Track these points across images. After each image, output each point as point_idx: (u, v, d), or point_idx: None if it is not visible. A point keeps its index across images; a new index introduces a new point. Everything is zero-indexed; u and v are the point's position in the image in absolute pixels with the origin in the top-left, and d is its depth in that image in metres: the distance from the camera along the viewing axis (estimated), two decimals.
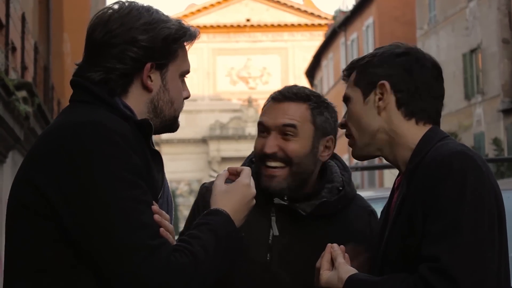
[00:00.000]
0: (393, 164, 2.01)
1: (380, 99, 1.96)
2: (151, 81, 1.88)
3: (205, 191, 2.33)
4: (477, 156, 1.85)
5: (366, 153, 2.03)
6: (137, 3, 1.92)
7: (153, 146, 1.88)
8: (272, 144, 2.24)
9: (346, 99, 2.05)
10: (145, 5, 1.92)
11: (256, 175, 2.21)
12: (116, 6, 1.91)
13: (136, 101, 1.88)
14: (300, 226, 2.26)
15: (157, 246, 1.70)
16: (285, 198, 2.25)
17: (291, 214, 2.26)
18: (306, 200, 2.26)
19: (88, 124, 1.75)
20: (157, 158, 1.88)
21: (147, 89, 1.88)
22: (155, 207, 1.77)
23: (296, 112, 2.26)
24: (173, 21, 1.92)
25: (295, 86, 2.33)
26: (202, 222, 1.82)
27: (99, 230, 1.68)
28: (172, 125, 1.96)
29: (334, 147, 2.33)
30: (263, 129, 2.28)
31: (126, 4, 1.91)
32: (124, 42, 1.85)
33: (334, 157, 2.38)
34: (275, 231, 2.24)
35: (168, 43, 1.89)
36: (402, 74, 1.95)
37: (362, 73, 2.01)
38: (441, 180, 1.79)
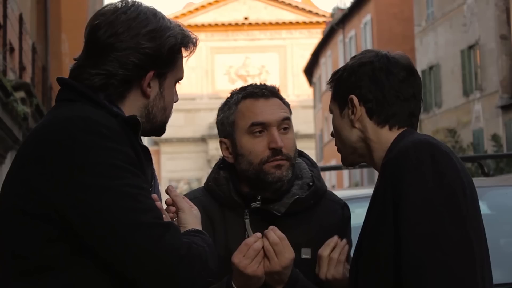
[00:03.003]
0: (374, 168, 2.07)
1: (352, 113, 2.02)
2: (150, 87, 1.87)
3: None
4: (442, 145, 1.91)
5: (351, 161, 2.11)
6: (141, 4, 1.88)
7: (141, 142, 1.87)
8: (279, 139, 2.23)
9: (330, 112, 2.12)
10: (149, 7, 1.89)
11: (232, 180, 2.27)
12: (120, 5, 1.86)
13: (131, 106, 1.86)
14: (275, 226, 2.23)
15: (170, 224, 1.72)
16: (258, 199, 2.24)
17: (264, 215, 2.25)
18: (278, 200, 2.25)
19: (78, 119, 1.73)
20: (146, 154, 1.86)
21: (145, 95, 1.87)
22: (155, 195, 1.79)
23: (285, 106, 2.30)
24: (176, 28, 1.89)
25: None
26: (194, 232, 1.83)
27: (112, 215, 1.66)
28: (160, 130, 1.96)
29: None
30: (262, 128, 2.25)
31: (132, 5, 1.87)
32: (129, 47, 1.81)
33: (301, 154, 2.39)
34: (250, 233, 2.22)
35: (173, 52, 1.88)
36: (368, 84, 2.01)
37: (336, 88, 2.08)
38: (404, 168, 1.85)
